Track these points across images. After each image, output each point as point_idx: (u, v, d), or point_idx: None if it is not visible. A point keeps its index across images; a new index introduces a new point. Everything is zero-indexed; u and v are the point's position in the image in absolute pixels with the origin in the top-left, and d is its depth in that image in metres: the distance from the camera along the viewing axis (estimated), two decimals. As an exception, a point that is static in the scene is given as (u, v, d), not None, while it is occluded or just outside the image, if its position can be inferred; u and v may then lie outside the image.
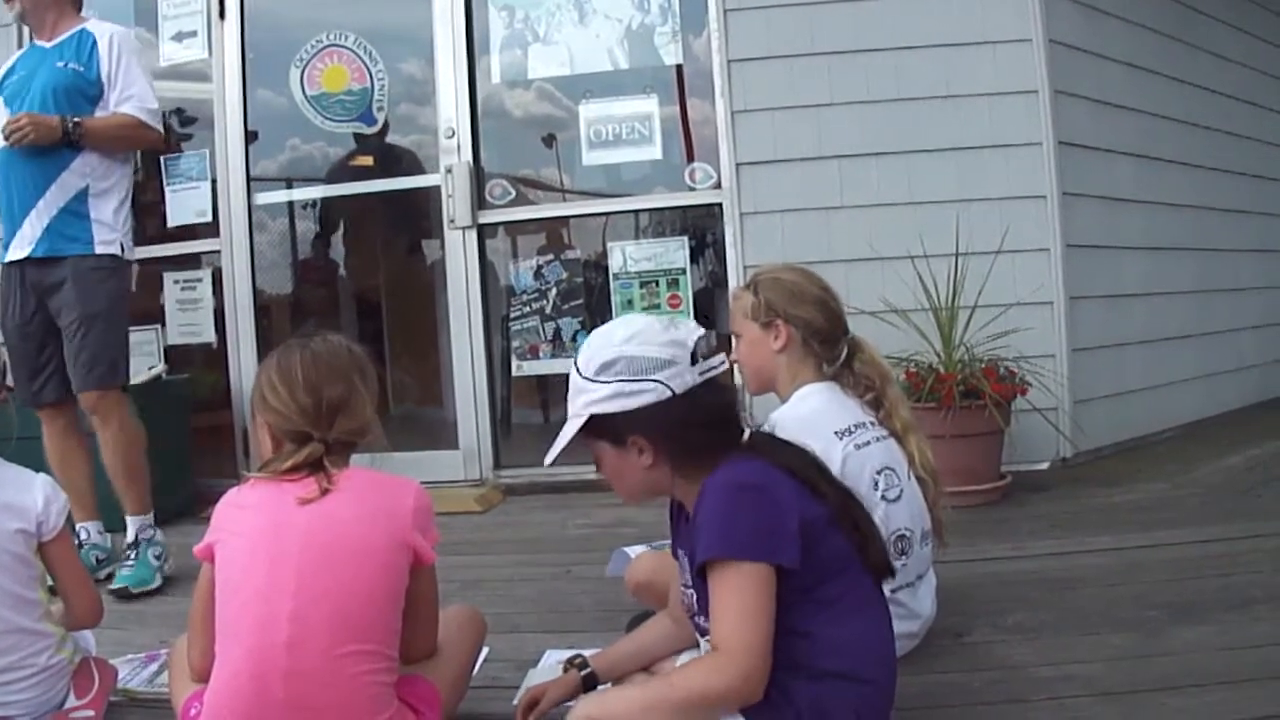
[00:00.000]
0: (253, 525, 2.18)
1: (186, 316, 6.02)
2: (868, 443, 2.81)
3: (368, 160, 6.24)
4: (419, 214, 6.31)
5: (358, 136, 6.10)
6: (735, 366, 3.06)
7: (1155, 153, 6.08)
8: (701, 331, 2.13)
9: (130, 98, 4.13)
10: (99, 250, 4.09)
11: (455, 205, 5.64)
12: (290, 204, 6.57)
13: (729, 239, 5.46)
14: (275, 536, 2.14)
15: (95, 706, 2.53)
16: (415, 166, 6.02)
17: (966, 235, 4.93)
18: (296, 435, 2.24)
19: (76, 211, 4.07)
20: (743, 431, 2.15)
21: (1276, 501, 4.43)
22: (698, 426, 2.07)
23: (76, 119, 4.00)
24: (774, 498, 1.99)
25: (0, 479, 2.52)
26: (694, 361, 2.08)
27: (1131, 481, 4.95)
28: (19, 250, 4.09)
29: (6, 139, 3.96)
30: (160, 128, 4.30)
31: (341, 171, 6.26)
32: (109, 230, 4.12)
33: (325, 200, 6.62)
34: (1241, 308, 6.92)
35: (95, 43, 4.13)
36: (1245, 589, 3.21)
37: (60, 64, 4.10)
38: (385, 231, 6.97)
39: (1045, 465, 5.26)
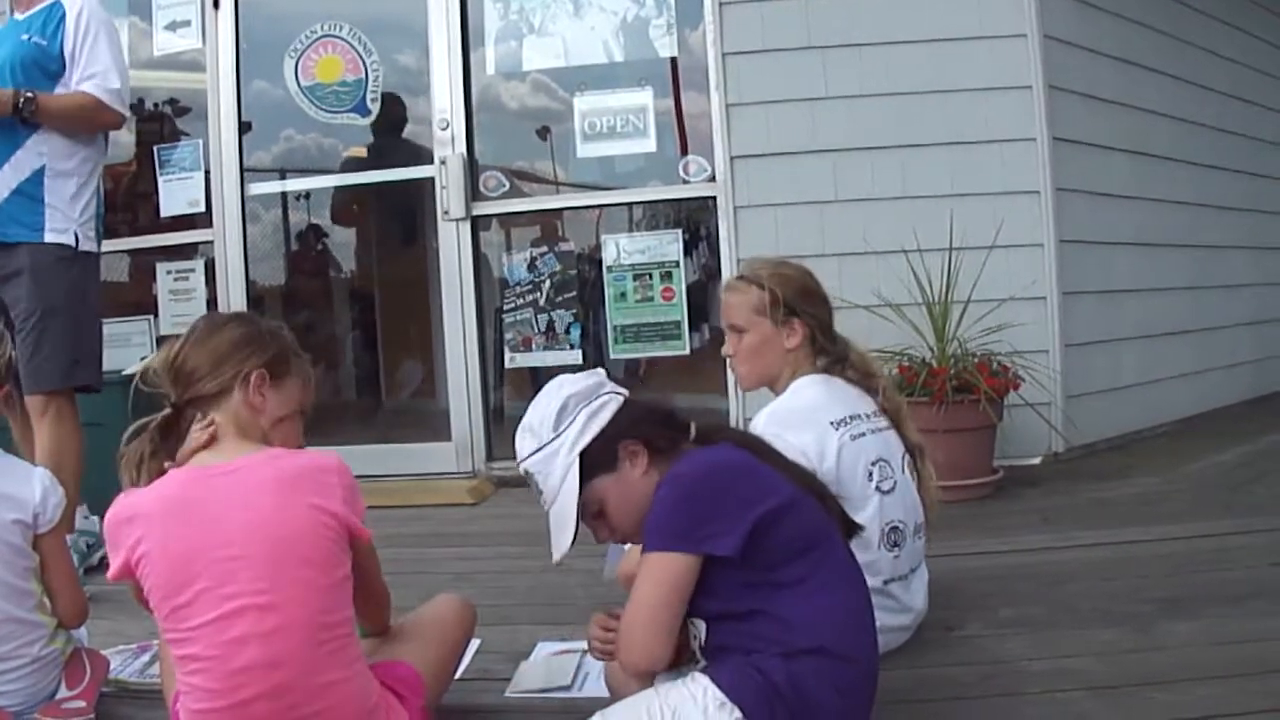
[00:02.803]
0: (174, 550, 2.02)
1: (179, 307, 6.01)
2: (863, 434, 2.82)
3: (360, 152, 6.24)
4: (413, 205, 6.30)
5: (367, 128, 6.09)
6: (729, 362, 3.06)
7: (1149, 149, 6.08)
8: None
9: (92, 76, 3.89)
10: (49, 239, 3.86)
11: (449, 197, 5.63)
12: (284, 195, 6.57)
13: (723, 232, 5.45)
14: (210, 553, 2.00)
15: (87, 697, 2.52)
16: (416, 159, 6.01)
17: (960, 230, 4.94)
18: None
19: (30, 194, 3.84)
20: (688, 425, 2.26)
21: (1269, 497, 4.43)
22: (659, 415, 2.25)
23: (30, 94, 3.76)
24: (716, 487, 2.07)
25: (-1, 469, 2.51)
26: None
27: (1124, 476, 4.96)
28: None
29: None
30: (122, 109, 4.02)
31: (341, 162, 6.26)
32: (63, 218, 3.88)
33: (319, 191, 6.61)
34: (1234, 304, 6.93)
35: (64, 16, 3.91)
36: (1237, 584, 3.22)
37: (25, 36, 3.89)
38: (379, 223, 6.96)
39: (1037, 460, 5.27)
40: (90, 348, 4.02)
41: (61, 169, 3.89)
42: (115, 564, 2.07)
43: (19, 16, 3.99)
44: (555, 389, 2.23)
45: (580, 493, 2.18)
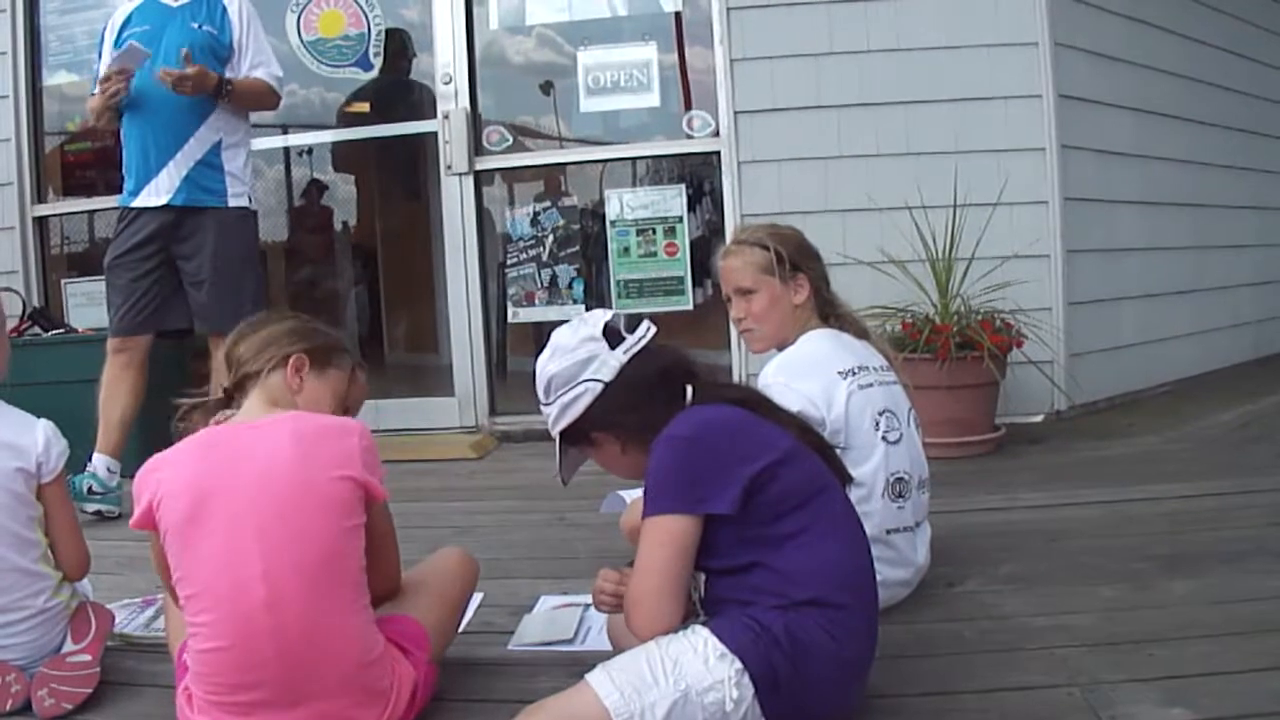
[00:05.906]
0: (192, 486, 2.10)
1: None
2: (870, 384, 2.85)
3: (364, 107, 6.21)
4: (416, 160, 6.28)
5: (369, 82, 6.07)
6: (739, 327, 3.06)
7: (1154, 107, 6.04)
8: (609, 314, 2.29)
9: (261, 64, 4.52)
10: (232, 203, 4.47)
11: (452, 151, 5.61)
12: (286, 150, 6.53)
13: (726, 188, 5.44)
14: (225, 493, 2.07)
15: (92, 651, 2.52)
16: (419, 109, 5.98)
17: (964, 187, 4.92)
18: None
19: (211, 163, 4.42)
20: (685, 390, 2.24)
21: (1269, 457, 4.44)
22: (641, 401, 2.21)
23: (227, 80, 4.36)
24: (709, 447, 2.09)
25: (1, 419, 2.51)
26: (614, 344, 2.24)
27: (1125, 435, 4.97)
28: (153, 197, 4.39)
29: (172, 87, 4.21)
30: (282, 93, 4.67)
31: (341, 116, 6.24)
32: (239, 183, 4.49)
33: (321, 146, 6.59)
34: (1238, 264, 6.91)
35: (225, 9, 4.48)
36: (1236, 543, 3.23)
37: (194, 25, 4.41)
38: (382, 178, 6.94)
39: (1040, 418, 5.27)
40: (261, 294, 4.73)
41: (233, 141, 4.50)
42: (138, 510, 2.14)
43: (171, 3, 4.47)
44: (546, 357, 2.28)
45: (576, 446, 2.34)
